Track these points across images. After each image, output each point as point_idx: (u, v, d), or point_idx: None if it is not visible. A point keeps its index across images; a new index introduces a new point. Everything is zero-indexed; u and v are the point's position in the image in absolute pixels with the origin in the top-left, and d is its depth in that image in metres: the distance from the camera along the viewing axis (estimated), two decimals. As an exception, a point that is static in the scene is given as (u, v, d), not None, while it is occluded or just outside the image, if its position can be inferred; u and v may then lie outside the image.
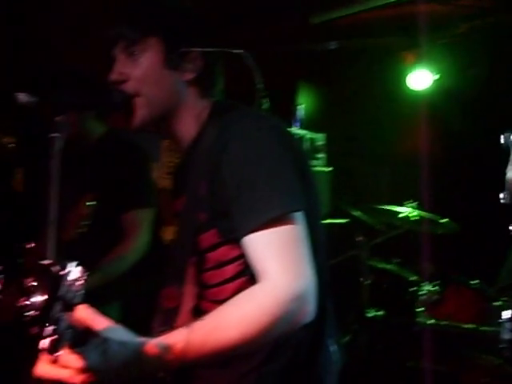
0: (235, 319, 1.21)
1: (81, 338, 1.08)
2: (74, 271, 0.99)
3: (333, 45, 4.64)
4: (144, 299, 1.51)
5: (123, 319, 2.57)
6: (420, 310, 3.36)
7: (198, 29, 1.52)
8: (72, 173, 2.59)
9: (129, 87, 1.44)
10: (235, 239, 1.33)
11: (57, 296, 0.96)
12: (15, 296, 0.96)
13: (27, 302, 0.96)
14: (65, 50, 3.78)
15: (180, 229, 1.49)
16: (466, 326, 3.22)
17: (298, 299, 1.23)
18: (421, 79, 4.61)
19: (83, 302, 1.08)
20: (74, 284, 0.99)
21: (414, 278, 3.54)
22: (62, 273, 0.97)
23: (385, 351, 3.55)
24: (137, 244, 2.54)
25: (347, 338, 3.54)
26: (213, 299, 1.44)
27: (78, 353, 1.08)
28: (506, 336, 2.91)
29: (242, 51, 1.48)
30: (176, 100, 1.48)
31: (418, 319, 3.35)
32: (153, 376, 1.26)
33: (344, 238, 3.57)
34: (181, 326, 1.30)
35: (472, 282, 3.35)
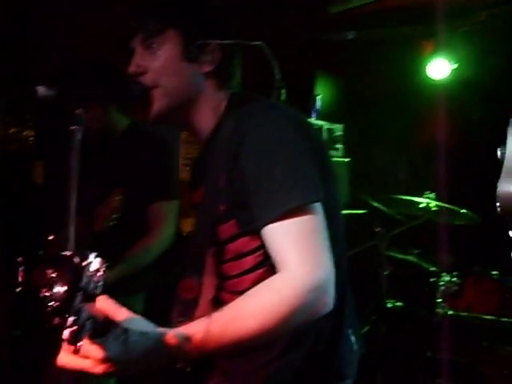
0: (254, 310, 1.22)
1: (101, 328, 1.09)
2: (94, 262, 1.00)
3: (351, 34, 4.60)
4: (167, 290, 1.53)
5: (147, 310, 2.61)
6: (439, 300, 3.34)
7: (216, 21, 1.52)
8: (99, 165, 2.63)
9: (147, 79, 1.45)
10: (254, 230, 1.33)
11: (78, 287, 0.97)
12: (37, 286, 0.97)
13: (49, 293, 0.97)
14: (80, 42, 3.79)
15: (198, 220, 1.50)
16: (486, 317, 3.20)
17: (317, 290, 1.23)
18: (439, 68, 4.56)
19: (107, 292, 1.09)
20: (94, 275, 1.00)
21: (433, 268, 3.52)
22: (83, 264, 0.98)
23: (404, 342, 3.53)
24: (162, 236, 2.57)
25: (366, 329, 3.53)
26: (232, 290, 1.45)
27: (99, 343, 1.09)
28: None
29: (259, 42, 1.48)
30: (194, 92, 1.48)
31: (437, 310, 3.33)
32: (172, 366, 1.27)
33: (363, 229, 3.55)
34: (200, 317, 1.31)
35: (492, 273, 3.33)
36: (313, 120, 3.87)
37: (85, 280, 0.98)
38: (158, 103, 1.46)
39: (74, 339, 0.98)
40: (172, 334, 1.17)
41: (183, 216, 2.81)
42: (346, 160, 4.04)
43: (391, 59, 4.72)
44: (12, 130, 4.16)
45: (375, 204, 3.74)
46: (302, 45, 4.57)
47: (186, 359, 1.22)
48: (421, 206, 3.55)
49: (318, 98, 4.16)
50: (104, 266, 1.01)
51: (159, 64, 1.45)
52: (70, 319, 0.97)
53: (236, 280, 1.44)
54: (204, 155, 1.53)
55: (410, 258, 3.69)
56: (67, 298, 0.96)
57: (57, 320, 0.97)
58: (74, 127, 1.31)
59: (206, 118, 1.50)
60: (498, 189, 0.97)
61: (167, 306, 1.53)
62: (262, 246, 1.34)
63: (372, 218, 3.73)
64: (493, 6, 4.19)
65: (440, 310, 3.31)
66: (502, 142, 1.01)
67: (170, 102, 1.47)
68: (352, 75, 4.96)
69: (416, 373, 3.30)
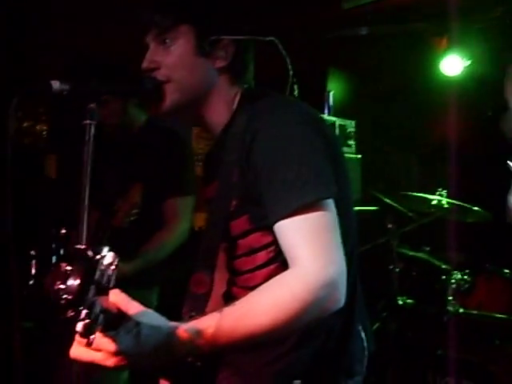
0: (266, 305, 1.22)
1: (114, 321, 1.10)
2: (107, 256, 1.00)
3: (364, 30, 4.59)
4: (180, 285, 1.54)
5: (160, 304, 2.63)
6: (450, 298, 3.33)
7: (230, 16, 1.52)
8: (117, 160, 2.65)
9: (160, 75, 1.45)
10: (267, 226, 1.33)
11: (92, 280, 0.98)
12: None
13: (63, 286, 0.97)
14: (92, 37, 3.81)
15: (211, 215, 1.50)
16: (497, 315, 3.18)
17: (329, 286, 1.23)
18: (452, 65, 4.53)
19: (122, 286, 1.10)
20: (108, 268, 1.00)
21: (444, 266, 3.50)
22: (96, 257, 0.99)
23: (414, 339, 3.52)
24: (177, 231, 2.59)
25: (376, 326, 3.53)
26: (243, 285, 1.46)
27: (111, 336, 1.10)
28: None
29: (273, 38, 1.48)
30: (207, 87, 1.48)
31: (447, 308, 3.31)
32: (183, 360, 1.28)
33: (374, 225, 3.55)
34: (211, 312, 1.31)
35: (503, 271, 3.31)
36: (325, 116, 3.87)
37: (98, 273, 0.99)
38: (171, 97, 1.46)
39: (87, 332, 0.99)
40: (184, 329, 1.18)
41: (195, 211, 2.82)
42: (358, 156, 4.04)
43: (404, 56, 4.70)
44: (25, 124, 4.18)
45: (387, 201, 3.73)
46: (315, 40, 4.56)
47: (197, 353, 1.23)
48: (433, 203, 3.54)
49: (331, 94, 4.17)
50: (117, 259, 1.02)
51: (173, 59, 1.45)
52: (84, 312, 0.97)
53: (248, 275, 1.45)
54: (216, 150, 1.53)
55: (422, 255, 3.68)
56: (81, 291, 0.97)
57: (70, 313, 0.98)
58: (87, 121, 1.31)
59: (219, 113, 1.50)
60: (509, 202, 0.97)
61: (180, 300, 1.54)
62: (274, 242, 1.34)
63: (384, 215, 3.72)
64: (508, 2, 4.15)
65: (451, 308, 3.30)
66: None
67: (183, 96, 1.47)
68: (365, 71, 4.94)
69: (426, 371, 3.29)
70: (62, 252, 1.07)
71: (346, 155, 3.94)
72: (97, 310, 1.00)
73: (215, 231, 1.45)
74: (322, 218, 1.28)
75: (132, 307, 1.15)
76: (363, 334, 1.51)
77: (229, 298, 1.48)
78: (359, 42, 4.71)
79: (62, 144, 4.24)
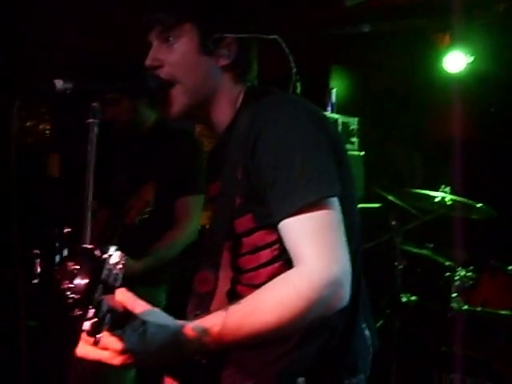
0: (271, 303, 1.22)
1: (120, 320, 1.10)
2: (114, 255, 1.00)
3: (366, 28, 4.58)
4: (190, 283, 1.54)
5: (169, 302, 2.64)
6: (454, 295, 3.34)
7: (233, 14, 1.52)
8: (128, 158, 2.66)
9: (164, 73, 1.45)
10: (271, 224, 1.34)
11: (99, 280, 0.98)
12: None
13: (70, 285, 0.98)
14: (93, 36, 3.81)
15: (215, 213, 1.50)
16: (501, 312, 3.18)
17: (333, 284, 1.23)
18: (455, 62, 4.52)
19: (132, 283, 1.10)
20: (114, 267, 1.00)
21: (448, 263, 3.50)
22: (104, 256, 0.99)
23: (418, 336, 3.53)
24: (188, 230, 2.60)
25: (380, 323, 3.53)
26: (248, 283, 1.46)
27: (118, 335, 1.10)
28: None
29: (276, 36, 1.48)
30: (212, 86, 1.48)
31: (451, 305, 3.32)
32: (189, 359, 1.28)
33: (378, 223, 3.55)
34: (215, 310, 1.32)
35: (507, 268, 3.31)
36: (328, 113, 3.86)
37: (105, 273, 0.99)
38: (179, 101, 1.46)
39: (94, 331, 0.99)
40: (190, 327, 1.18)
41: (200, 209, 2.83)
42: (361, 153, 4.04)
43: (407, 52, 4.69)
44: (28, 124, 4.19)
45: (390, 198, 3.73)
46: (318, 38, 4.56)
47: (203, 352, 1.23)
48: (436, 200, 3.54)
49: (334, 91, 4.16)
50: (124, 258, 1.02)
51: (176, 57, 1.45)
52: (91, 311, 0.97)
53: (252, 273, 1.45)
54: (220, 149, 1.53)
55: (425, 252, 3.68)
56: (88, 290, 0.97)
57: (77, 312, 0.98)
58: (90, 120, 1.31)
59: (222, 111, 1.50)
60: None
61: (188, 298, 1.55)
62: (279, 240, 1.34)
63: (387, 212, 3.72)
64: (511, -2, 4.15)
65: (455, 305, 3.30)
66: None
67: (190, 99, 1.46)
68: (367, 68, 4.94)
69: (430, 368, 3.29)
70: (65, 251, 1.07)
71: (349, 152, 3.94)
72: (104, 309, 1.00)
73: (219, 229, 1.45)
74: (327, 217, 1.28)
75: (138, 306, 1.16)
76: (367, 332, 1.51)
77: (233, 296, 1.48)
78: (362, 39, 4.70)
79: (65, 143, 4.24)
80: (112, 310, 1.04)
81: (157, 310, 1.19)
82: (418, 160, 5.15)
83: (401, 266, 3.59)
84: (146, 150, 2.67)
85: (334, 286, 1.23)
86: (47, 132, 4.32)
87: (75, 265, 0.99)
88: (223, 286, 1.51)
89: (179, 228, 2.60)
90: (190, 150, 2.68)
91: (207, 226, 1.61)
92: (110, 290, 1.01)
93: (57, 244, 1.08)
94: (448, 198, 3.49)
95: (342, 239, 1.29)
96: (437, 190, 3.55)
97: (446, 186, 3.57)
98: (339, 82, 4.82)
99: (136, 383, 2.61)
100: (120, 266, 1.01)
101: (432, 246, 3.71)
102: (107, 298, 1.01)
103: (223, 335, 1.20)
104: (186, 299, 1.54)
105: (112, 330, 1.08)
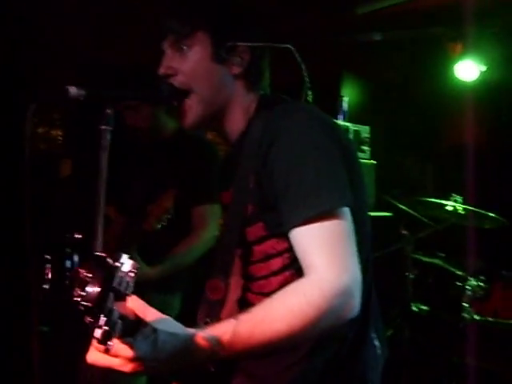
0: (282, 312, 1.22)
1: (131, 328, 1.10)
2: (126, 263, 1.00)
3: (378, 35, 4.58)
4: (199, 290, 1.55)
5: (183, 309, 2.65)
6: (465, 305, 3.31)
7: (245, 23, 1.52)
8: (148, 166, 2.68)
9: (177, 81, 1.45)
10: (282, 233, 1.34)
11: (111, 288, 0.98)
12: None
13: (82, 293, 0.98)
14: (107, 44, 3.84)
15: (227, 221, 1.50)
16: (513, 322, 3.16)
17: (344, 294, 1.23)
18: (468, 71, 4.51)
19: (146, 290, 1.10)
20: (126, 275, 1.00)
21: (459, 272, 3.48)
22: (116, 265, 0.99)
23: (429, 347, 3.50)
24: (205, 237, 2.62)
25: (390, 333, 3.51)
26: (258, 291, 1.46)
27: (128, 343, 1.10)
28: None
29: (289, 46, 1.48)
30: (225, 94, 1.48)
31: (463, 315, 3.30)
32: (200, 367, 1.28)
33: (389, 231, 3.54)
34: (226, 318, 1.32)
35: (520, 278, 3.28)
36: (339, 122, 3.86)
37: (117, 281, 0.99)
38: (193, 111, 1.47)
39: (105, 339, 0.99)
40: (200, 335, 1.18)
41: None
42: (373, 162, 4.02)
43: (418, 61, 4.69)
44: (40, 130, 4.22)
45: (402, 206, 3.72)
46: (329, 46, 4.56)
47: (213, 360, 1.23)
48: (448, 208, 3.52)
49: (345, 99, 4.15)
50: (135, 266, 1.02)
51: (189, 66, 1.46)
52: (102, 319, 0.97)
53: (263, 281, 1.45)
54: (233, 156, 1.53)
55: (437, 261, 3.66)
56: (100, 298, 0.97)
57: (88, 319, 0.99)
58: (103, 127, 1.32)
59: (235, 119, 1.50)
60: None
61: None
62: (290, 249, 1.34)
63: (398, 221, 3.71)
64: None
65: (466, 315, 3.28)
66: None
67: (205, 110, 1.47)
68: (379, 77, 4.93)
69: (441, 379, 3.27)
70: (76, 257, 1.08)
71: (361, 161, 3.92)
72: (115, 316, 1.00)
73: (231, 237, 1.45)
74: (338, 226, 1.28)
75: (149, 313, 1.16)
76: (377, 342, 1.51)
77: (244, 304, 1.48)
78: (373, 47, 4.70)
79: (78, 149, 4.27)
80: (123, 318, 1.04)
81: (168, 317, 1.19)
82: (430, 168, 5.13)
83: (412, 276, 3.57)
84: (165, 158, 2.70)
85: (344, 296, 1.23)
86: (59, 138, 4.35)
87: (87, 272, 0.99)
88: (234, 293, 1.51)
89: (196, 236, 2.62)
90: (208, 158, 2.69)
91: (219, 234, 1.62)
92: (122, 297, 1.01)
93: (68, 250, 1.08)
94: (460, 206, 3.48)
95: (352, 249, 1.29)
96: (448, 199, 3.54)
97: (457, 194, 3.55)
98: (351, 90, 4.82)
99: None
100: (132, 274, 1.01)
101: (443, 255, 3.69)
102: (118, 306, 1.01)
103: (234, 343, 1.20)
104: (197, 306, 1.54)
105: (123, 337, 1.08)
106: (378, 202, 3.82)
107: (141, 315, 1.14)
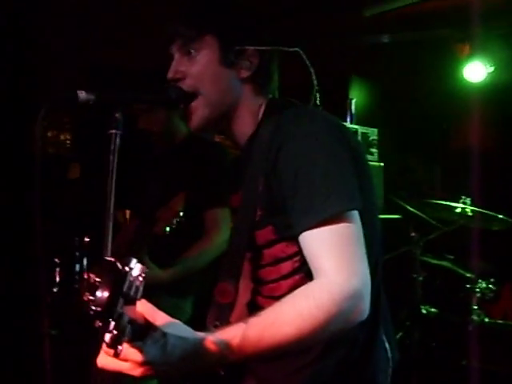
0: (291, 315, 1.21)
1: (141, 332, 1.10)
2: (136, 268, 1.01)
3: (385, 38, 4.58)
4: (209, 294, 1.55)
5: (195, 313, 2.65)
6: (475, 307, 3.30)
7: (253, 26, 1.52)
8: (161, 169, 2.69)
9: (186, 85, 1.45)
10: (291, 236, 1.34)
11: (120, 293, 0.98)
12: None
13: (91, 298, 0.98)
14: (119, 48, 3.85)
15: (236, 225, 1.51)
16: (523, 325, 3.14)
17: (354, 297, 1.23)
18: (475, 72, 4.50)
19: (158, 293, 1.09)
20: (136, 280, 1.00)
21: (468, 274, 3.47)
22: (125, 269, 0.99)
23: (438, 349, 3.49)
24: (217, 241, 2.61)
25: (400, 335, 3.50)
26: (268, 295, 1.46)
27: (138, 347, 1.11)
28: None
29: (297, 49, 1.48)
30: (233, 98, 1.49)
31: (472, 317, 3.28)
32: (209, 371, 1.28)
33: (397, 234, 3.53)
34: (235, 321, 1.31)
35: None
36: (347, 124, 3.86)
37: (127, 286, 0.99)
38: (199, 114, 1.47)
39: (115, 343, 0.99)
40: (210, 339, 1.18)
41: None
42: (381, 164, 4.02)
43: (426, 63, 4.68)
44: (49, 134, 4.24)
45: (410, 208, 3.71)
46: (337, 48, 4.56)
47: (223, 364, 1.23)
48: (456, 210, 3.51)
49: (353, 102, 4.16)
50: (145, 270, 1.02)
51: (197, 69, 1.46)
52: (112, 324, 0.98)
53: (273, 285, 1.45)
54: (242, 160, 1.53)
55: (445, 263, 3.65)
56: (109, 303, 0.97)
57: (98, 324, 0.99)
58: (112, 131, 1.32)
59: (244, 123, 1.50)
60: None
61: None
62: (299, 252, 1.34)
63: (407, 223, 3.70)
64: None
65: (475, 317, 3.27)
66: None
67: (211, 112, 1.47)
68: (387, 79, 4.93)
69: (450, 381, 3.25)
70: (85, 260, 1.08)
71: (369, 163, 3.91)
72: (124, 321, 1.00)
73: (240, 241, 1.45)
74: (347, 230, 1.28)
75: (159, 317, 1.16)
76: (387, 345, 1.50)
77: (253, 308, 1.48)
78: (381, 50, 4.70)
79: (87, 153, 4.28)
80: (132, 322, 1.04)
81: (177, 321, 1.19)
82: (438, 170, 5.12)
83: (420, 278, 3.56)
84: (179, 162, 2.71)
85: (354, 299, 1.23)
86: (68, 142, 4.36)
87: (97, 277, 0.99)
88: (243, 297, 1.51)
89: (208, 239, 2.62)
90: (221, 162, 2.70)
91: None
92: (132, 302, 1.01)
93: (77, 253, 1.08)
94: (468, 208, 3.46)
95: (362, 252, 1.28)
96: (456, 201, 3.53)
97: (466, 196, 3.54)
98: (358, 92, 4.82)
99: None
100: (141, 278, 1.01)
101: (452, 257, 3.68)
102: (128, 310, 1.01)
103: (243, 347, 1.19)
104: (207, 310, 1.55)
105: (132, 341, 1.08)
106: (386, 204, 3.82)
107: (150, 319, 1.14)
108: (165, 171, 2.72)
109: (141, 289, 1.01)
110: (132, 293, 0.99)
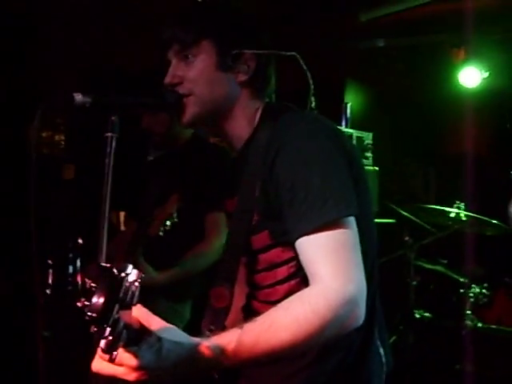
0: (287, 321, 1.21)
1: (136, 337, 1.10)
2: (132, 273, 1.00)
3: (381, 42, 4.59)
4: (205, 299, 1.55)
5: (194, 317, 2.64)
6: (468, 312, 3.31)
7: (250, 31, 1.52)
8: (162, 172, 2.69)
9: (183, 89, 1.46)
10: (287, 241, 1.34)
11: (116, 298, 0.98)
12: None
13: (87, 303, 0.97)
14: (117, 50, 3.84)
15: (232, 229, 1.51)
16: (516, 330, 3.15)
17: (349, 303, 1.23)
18: (470, 77, 4.51)
19: (156, 298, 1.09)
20: (132, 285, 1.00)
21: (462, 279, 3.48)
22: (121, 275, 0.98)
23: (431, 354, 3.49)
24: (216, 245, 2.60)
25: (393, 339, 3.50)
26: (264, 300, 1.45)
27: (133, 352, 1.10)
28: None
29: (294, 53, 1.48)
30: (229, 101, 1.49)
31: (466, 322, 3.29)
32: (204, 375, 1.27)
33: (391, 238, 3.53)
34: (230, 326, 1.31)
35: (523, 285, 3.28)
36: (343, 128, 3.86)
37: (122, 291, 0.99)
38: (191, 110, 1.47)
39: (110, 348, 0.99)
40: (205, 344, 1.17)
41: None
42: (375, 168, 4.03)
43: (421, 67, 4.69)
44: (44, 134, 4.22)
45: (404, 213, 3.71)
46: (332, 52, 4.57)
47: (218, 369, 1.23)
48: (450, 215, 3.52)
49: (348, 106, 4.16)
50: (140, 276, 1.02)
51: (195, 74, 1.46)
52: (107, 329, 0.97)
53: (268, 290, 1.45)
54: (238, 164, 1.54)
55: (439, 268, 3.66)
56: (105, 309, 0.97)
57: (93, 329, 0.98)
58: (108, 134, 1.32)
59: (240, 126, 1.50)
60: (510, 210, 0.96)
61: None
62: (295, 257, 1.34)
63: (401, 228, 3.70)
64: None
65: (469, 322, 3.28)
66: None
67: (203, 109, 1.47)
68: (382, 83, 4.94)
69: (444, 385, 3.26)
70: (78, 262, 1.08)
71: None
72: (120, 326, 1.00)
73: (236, 245, 1.45)
74: (343, 236, 1.28)
75: (154, 322, 1.15)
76: (381, 350, 1.51)
77: (248, 312, 1.48)
78: (376, 54, 4.71)
79: (81, 154, 4.27)
80: (128, 327, 1.04)
81: (172, 326, 1.19)
82: (433, 175, 5.13)
83: (414, 282, 3.57)
84: (179, 164, 2.70)
85: (349, 305, 1.23)
86: (62, 143, 4.35)
87: (93, 283, 0.99)
88: (238, 301, 1.50)
89: (208, 242, 2.61)
90: (222, 166, 2.70)
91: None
92: (127, 307, 1.01)
93: (70, 255, 1.08)
94: (462, 213, 3.47)
95: (358, 258, 1.29)
96: (451, 206, 3.53)
97: (460, 201, 3.55)
98: (354, 96, 4.83)
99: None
100: (137, 284, 1.01)
101: (446, 262, 3.69)
102: (123, 315, 1.00)
103: (238, 352, 1.19)
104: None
105: (127, 346, 1.08)
106: (380, 208, 3.82)
107: (145, 324, 1.14)
108: (165, 174, 2.71)
109: (137, 294, 1.01)
110: (128, 298, 0.99)
